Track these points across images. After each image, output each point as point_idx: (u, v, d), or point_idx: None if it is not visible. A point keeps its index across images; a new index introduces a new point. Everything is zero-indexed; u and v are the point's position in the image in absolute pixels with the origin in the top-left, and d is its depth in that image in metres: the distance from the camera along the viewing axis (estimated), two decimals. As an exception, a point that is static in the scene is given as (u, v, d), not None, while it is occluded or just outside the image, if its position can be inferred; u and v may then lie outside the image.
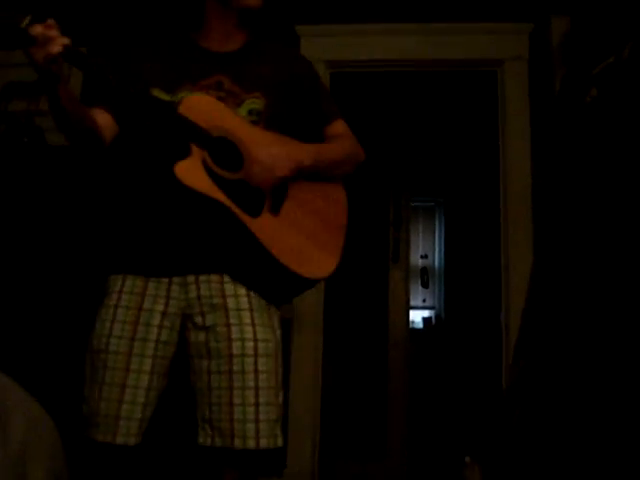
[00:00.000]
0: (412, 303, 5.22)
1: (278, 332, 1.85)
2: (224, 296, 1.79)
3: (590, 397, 1.25)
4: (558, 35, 3.10)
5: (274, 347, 1.80)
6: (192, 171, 1.71)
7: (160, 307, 1.79)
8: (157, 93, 1.83)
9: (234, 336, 1.75)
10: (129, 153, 1.95)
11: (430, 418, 4.94)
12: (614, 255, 1.28)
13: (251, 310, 1.79)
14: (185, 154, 1.72)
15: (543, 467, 1.28)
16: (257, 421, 1.71)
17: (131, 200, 1.93)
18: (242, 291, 1.80)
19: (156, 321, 1.78)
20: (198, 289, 1.80)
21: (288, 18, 3.38)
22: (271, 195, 1.81)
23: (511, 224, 3.17)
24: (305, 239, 1.84)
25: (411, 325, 5.26)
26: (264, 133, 1.85)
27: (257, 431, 1.70)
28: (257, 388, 1.72)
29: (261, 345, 1.76)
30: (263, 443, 1.71)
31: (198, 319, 1.79)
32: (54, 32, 1.54)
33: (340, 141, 1.99)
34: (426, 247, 6.06)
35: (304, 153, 1.85)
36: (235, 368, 1.73)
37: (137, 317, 1.78)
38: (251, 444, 1.70)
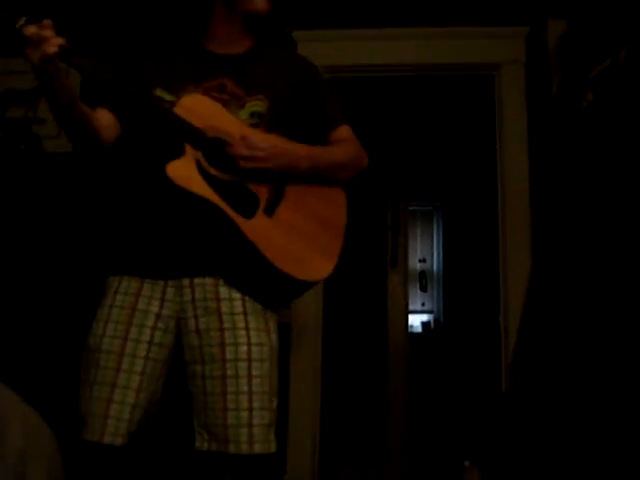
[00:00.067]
0: (411, 307, 5.23)
1: (274, 336, 1.83)
2: (218, 299, 1.78)
3: (589, 400, 1.25)
4: (555, 38, 3.10)
5: (268, 351, 1.78)
6: (184, 171, 1.71)
7: (154, 309, 1.79)
8: (160, 93, 1.84)
9: (227, 340, 1.74)
10: (127, 154, 1.95)
11: (430, 422, 4.94)
12: (612, 258, 1.28)
13: (245, 314, 1.78)
14: (179, 154, 1.72)
15: (543, 471, 1.28)
16: (250, 426, 1.69)
17: (128, 201, 1.93)
18: (237, 295, 1.79)
19: (150, 322, 1.78)
20: (193, 292, 1.79)
21: (285, 23, 3.38)
22: (266, 197, 1.80)
23: (509, 228, 3.17)
24: (300, 241, 1.82)
25: (410, 329, 5.26)
26: (263, 137, 1.85)
27: (250, 436, 1.69)
28: (251, 393, 1.71)
29: (255, 349, 1.75)
30: (257, 448, 1.69)
31: (192, 322, 1.78)
32: (49, 32, 1.54)
33: (343, 145, 1.98)
34: (424, 251, 6.06)
35: (302, 152, 1.85)
36: (229, 373, 1.72)
37: (130, 317, 1.77)
38: (244, 449, 1.68)
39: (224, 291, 1.79)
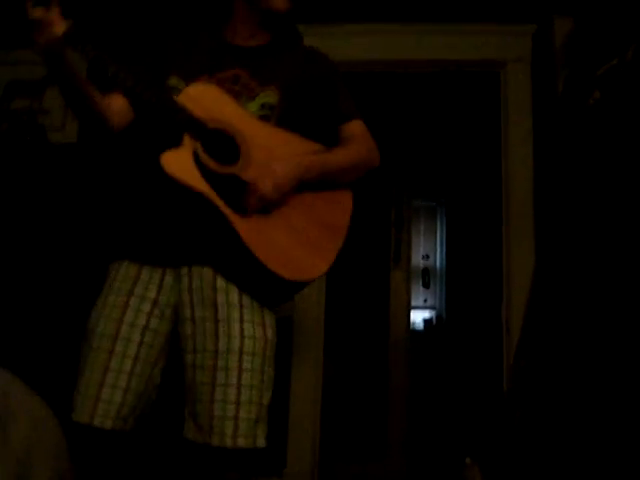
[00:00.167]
0: (413, 303, 5.22)
1: (269, 330, 1.81)
2: (215, 290, 1.76)
3: (592, 398, 1.25)
4: (561, 36, 3.08)
5: (262, 345, 1.76)
6: (178, 160, 1.70)
7: (152, 295, 1.78)
8: (174, 81, 1.85)
9: (220, 332, 1.73)
10: (130, 141, 1.95)
11: (430, 419, 4.94)
12: (617, 257, 1.28)
13: (241, 306, 1.76)
14: (178, 144, 1.72)
15: (544, 469, 1.28)
16: (236, 419, 1.67)
17: (129, 188, 1.93)
18: (234, 286, 1.78)
19: (146, 308, 1.77)
20: (190, 281, 1.78)
21: (290, 18, 3.37)
22: None
23: (513, 225, 3.17)
24: (294, 240, 1.80)
25: (412, 325, 5.26)
26: (269, 132, 1.84)
27: (235, 429, 1.67)
28: (239, 386, 1.69)
29: (247, 342, 1.73)
30: (240, 442, 1.67)
31: (187, 311, 1.78)
32: (55, 15, 1.56)
33: (353, 145, 1.95)
34: (427, 248, 6.06)
35: (313, 172, 1.83)
36: (219, 364, 1.70)
37: (127, 301, 1.77)
38: (228, 442, 1.66)
39: (221, 282, 1.77)
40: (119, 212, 1.90)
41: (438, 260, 6.00)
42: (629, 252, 1.24)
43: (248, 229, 1.73)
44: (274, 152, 1.81)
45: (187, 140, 1.72)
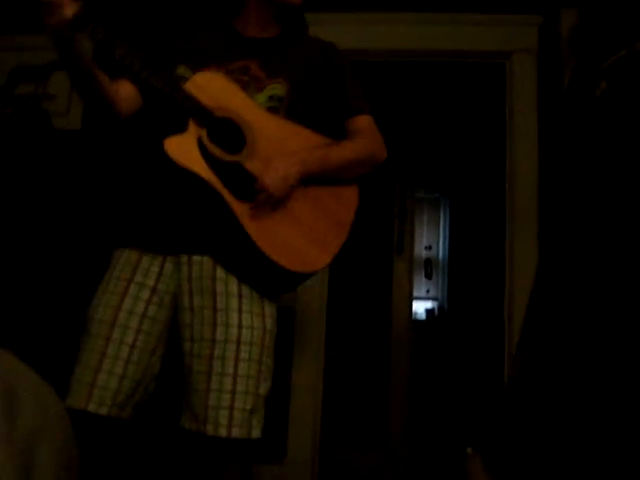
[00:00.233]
0: (415, 294, 5.24)
1: (269, 320, 1.80)
2: (214, 279, 1.76)
3: (594, 390, 1.25)
4: (567, 28, 3.07)
5: (260, 335, 1.75)
6: (182, 146, 1.70)
7: (151, 282, 1.78)
8: (182, 71, 1.84)
9: (219, 321, 1.72)
10: (137, 128, 1.95)
11: (431, 409, 4.95)
12: (622, 251, 1.28)
13: (240, 296, 1.76)
14: (183, 131, 1.71)
15: (546, 460, 1.28)
16: (232, 409, 1.67)
17: (132, 174, 1.93)
18: (234, 277, 1.77)
19: (145, 296, 1.77)
20: (190, 269, 1.78)
21: (302, 10, 3.35)
22: None
23: (516, 217, 3.16)
24: (297, 231, 1.79)
25: (414, 316, 5.28)
26: (277, 123, 1.83)
27: (230, 419, 1.67)
28: (235, 375, 1.69)
29: (245, 332, 1.72)
30: (235, 432, 1.67)
31: (186, 300, 1.78)
32: None
33: (361, 139, 1.94)
34: (430, 239, 6.06)
35: (315, 165, 1.82)
36: (216, 353, 1.70)
37: (126, 288, 1.77)
38: (222, 432, 1.66)
39: (221, 272, 1.77)
40: (122, 198, 1.90)
41: (441, 251, 6.01)
42: (636, 244, 1.24)
43: (250, 218, 1.73)
44: (280, 144, 1.80)
45: (192, 126, 1.72)
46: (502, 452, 1.44)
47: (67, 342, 1.84)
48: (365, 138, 1.95)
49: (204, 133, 1.72)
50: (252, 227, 1.72)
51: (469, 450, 1.55)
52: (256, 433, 1.72)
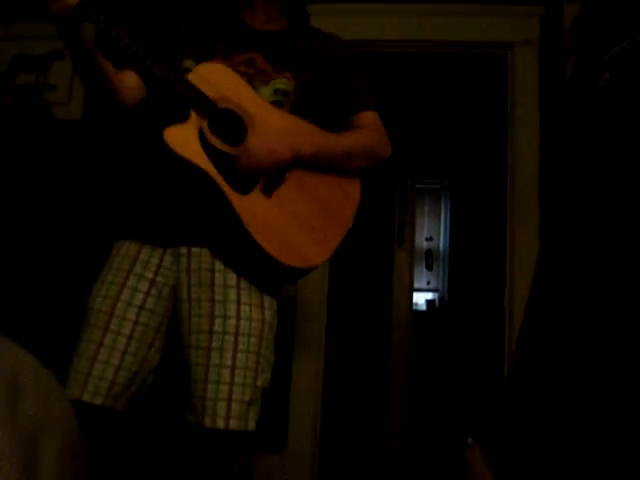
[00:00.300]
0: (416, 285, 5.24)
1: (268, 312, 1.79)
2: (213, 271, 1.76)
3: (594, 381, 1.25)
4: (570, 19, 3.06)
5: (259, 327, 1.75)
6: (182, 136, 1.69)
7: (149, 274, 1.78)
8: (189, 64, 1.83)
9: (217, 312, 1.72)
10: (139, 118, 1.95)
11: (431, 399, 4.96)
12: (624, 243, 1.28)
13: (239, 288, 1.75)
14: (184, 121, 1.71)
15: (546, 450, 1.28)
16: (229, 400, 1.67)
17: (133, 165, 1.92)
18: (232, 269, 1.77)
19: (144, 287, 1.77)
20: (189, 261, 1.78)
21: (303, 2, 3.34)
22: (266, 176, 1.77)
23: (517, 208, 3.16)
24: (296, 226, 1.78)
25: (414, 307, 5.29)
26: (280, 116, 1.82)
27: (228, 410, 1.66)
28: (234, 367, 1.69)
29: (244, 324, 1.72)
30: (233, 424, 1.66)
31: (184, 291, 1.78)
32: None
33: (364, 131, 1.94)
34: (431, 230, 6.06)
35: (307, 145, 1.79)
36: (214, 345, 1.70)
37: (125, 279, 1.77)
38: (220, 424, 1.66)
39: (220, 263, 1.77)
40: (122, 189, 1.89)
41: (441, 242, 6.01)
42: (637, 237, 1.24)
43: (248, 210, 1.71)
44: (267, 137, 1.77)
45: (193, 117, 1.71)
46: (502, 442, 1.45)
47: (68, 332, 1.84)
48: (370, 131, 1.94)
49: (205, 124, 1.71)
50: (250, 221, 1.71)
51: (469, 440, 1.56)
52: (252, 425, 1.71)
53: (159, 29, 1.96)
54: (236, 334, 1.71)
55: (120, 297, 1.75)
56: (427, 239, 6.05)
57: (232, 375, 1.68)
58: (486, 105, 4.59)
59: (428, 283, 5.99)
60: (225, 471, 1.73)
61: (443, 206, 6.01)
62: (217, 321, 1.72)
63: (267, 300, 1.80)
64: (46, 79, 3.26)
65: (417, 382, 4.83)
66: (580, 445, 1.24)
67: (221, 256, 1.77)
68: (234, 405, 1.67)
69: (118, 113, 1.92)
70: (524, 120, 3.23)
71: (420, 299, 5.81)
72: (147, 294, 1.77)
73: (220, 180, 1.70)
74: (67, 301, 2.90)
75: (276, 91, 1.85)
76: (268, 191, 1.76)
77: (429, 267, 5.99)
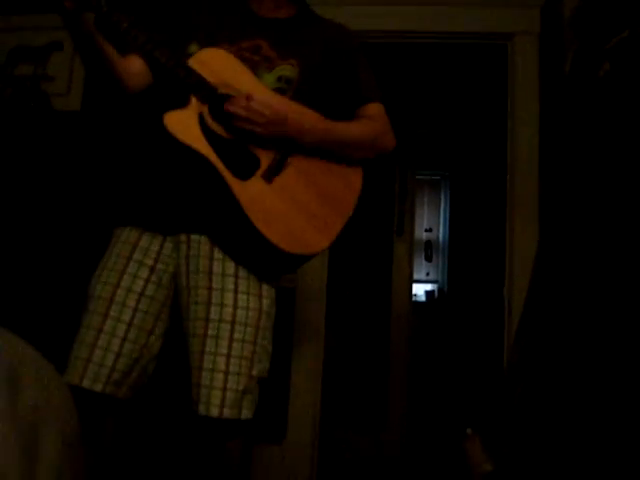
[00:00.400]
0: (415, 276, 5.25)
1: (266, 301, 1.79)
2: (211, 259, 1.76)
3: (593, 373, 1.26)
4: (570, 9, 3.05)
5: (256, 316, 1.75)
6: (182, 121, 1.69)
7: (149, 262, 1.79)
8: (195, 49, 1.82)
9: (214, 300, 1.72)
10: (140, 104, 1.94)
11: (431, 390, 4.97)
12: (623, 235, 1.28)
13: (236, 277, 1.75)
14: (183, 105, 1.70)
15: (545, 440, 1.29)
16: (224, 389, 1.67)
17: (133, 151, 1.92)
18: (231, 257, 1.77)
19: (144, 274, 1.78)
20: (188, 248, 1.78)
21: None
22: (269, 162, 1.76)
23: (517, 199, 3.16)
24: (296, 212, 1.77)
25: (414, 298, 5.29)
26: (280, 99, 1.82)
27: (223, 399, 1.66)
28: (229, 356, 1.69)
29: (240, 313, 1.72)
30: (226, 413, 1.67)
31: (184, 279, 1.78)
32: None
33: (366, 123, 1.93)
34: (431, 221, 6.05)
35: (309, 124, 1.79)
36: (210, 332, 1.70)
37: (125, 266, 1.77)
38: (214, 412, 1.66)
39: (219, 251, 1.76)
40: (122, 177, 1.89)
41: (441, 233, 6.00)
42: (637, 230, 1.24)
43: (248, 196, 1.71)
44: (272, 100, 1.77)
45: (194, 102, 1.71)
46: (501, 433, 1.45)
47: (68, 320, 1.84)
48: (375, 122, 1.94)
49: (206, 109, 1.71)
50: (250, 207, 1.70)
51: (469, 431, 1.56)
52: (246, 414, 1.71)
53: (166, 13, 1.95)
54: (232, 322, 1.71)
55: (120, 284, 1.76)
56: (427, 230, 6.04)
57: (227, 364, 1.69)
58: (486, 96, 4.58)
59: (427, 274, 5.98)
60: (225, 461, 1.74)
61: (443, 197, 6.00)
62: (213, 309, 1.72)
63: (265, 289, 1.80)
64: (45, 70, 3.26)
65: (416, 373, 4.83)
66: (579, 436, 1.24)
67: (220, 244, 1.76)
68: (228, 394, 1.67)
69: (118, 100, 1.92)
70: (524, 111, 3.22)
71: (419, 290, 5.81)
72: (147, 281, 1.78)
73: (220, 166, 1.70)
74: (68, 290, 2.91)
75: (279, 78, 1.84)
76: (269, 177, 1.76)
77: (428, 258, 5.99)
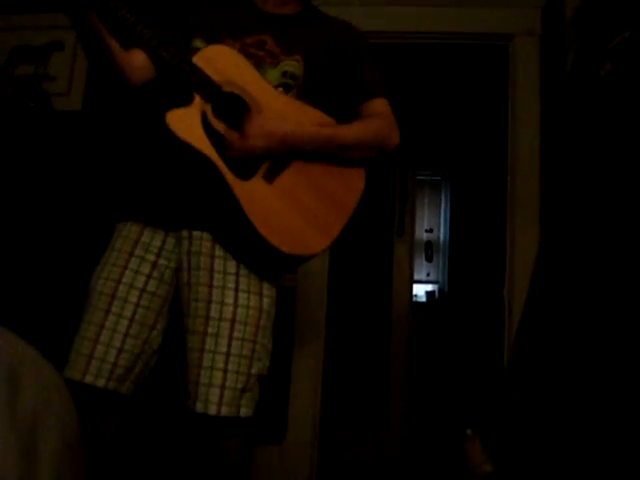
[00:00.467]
0: (416, 277, 5.25)
1: (267, 300, 1.79)
2: (213, 256, 1.75)
3: (594, 373, 1.26)
4: (571, 9, 3.05)
5: (256, 315, 1.75)
6: (185, 120, 1.68)
7: (151, 257, 1.79)
8: (198, 43, 1.82)
9: (214, 298, 1.72)
10: (142, 99, 1.94)
11: (431, 391, 4.97)
12: (624, 236, 1.27)
13: (237, 275, 1.75)
14: (187, 104, 1.70)
15: (545, 441, 1.28)
16: (223, 387, 1.67)
17: (135, 147, 1.91)
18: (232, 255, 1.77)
19: (146, 270, 1.78)
20: (190, 244, 1.77)
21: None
22: (270, 163, 1.76)
23: (518, 200, 3.15)
24: (296, 213, 1.77)
25: (414, 299, 5.29)
26: (285, 101, 1.81)
27: (221, 397, 1.66)
28: (228, 354, 1.69)
29: (240, 311, 1.72)
30: (224, 411, 1.66)
31: (185, 275, 1.77)
32: None
33: (374, 120, 1.92)
34: (431, 221, 6.05)
35: (307, 135, 1.78)
36: (210, 330, 1.70)
37: (127, 262, 1.77)
38: (212, 410, 1.66)
39: (220, 249, 1.76)
40: (125, 172, 1.88)
41: (441, 234, 6.01)
42: (638, 231, 1.24)
43: (248, 196, 1.71)
44: (266, 125, 1.76)
45: (197, 100, 1.70)
46: (502, 434, 1.45)
47: (69, 315, 1.84)
48: (380, 119, 1.93)
49: (209, 108, 1.70)
50: (250, 207, 1.70)
51: (469, 431, 1.56)
52: (245, 412, 1.71)
53: (171, 8, 1.95)
54: (232, 321, 1.71)
55: (122, 279, 1.76)
56: (427, 231, 6.04)
57: (226, 362, 1.68)
58: (487, 96, 4.58)
59: (428, 275, 5.99)
60: (224, 459, 1.74)
61: (443, 198, 6.00)
62: (214, 307, 1.72)
63: (266, 288, 1.80)
64: (45, 70, 3.25)
65: (417, 373, 4.83)
66: (579, 437, 1.24)
67: (221, 241, 1.76)
68: (227, 392, 1.67)
69: (120, 98, 1.92)
70: (525, 112, 3.22)
71: (420, 291, 5.81)
72: (149, 277, 1.78)
73: (221, 165, 1.69)
74: (69, 286, 2.91)
75: (284, 73, 1.84)
76: (270, 178, 1.75)
77: (429, 259, 5.99)
